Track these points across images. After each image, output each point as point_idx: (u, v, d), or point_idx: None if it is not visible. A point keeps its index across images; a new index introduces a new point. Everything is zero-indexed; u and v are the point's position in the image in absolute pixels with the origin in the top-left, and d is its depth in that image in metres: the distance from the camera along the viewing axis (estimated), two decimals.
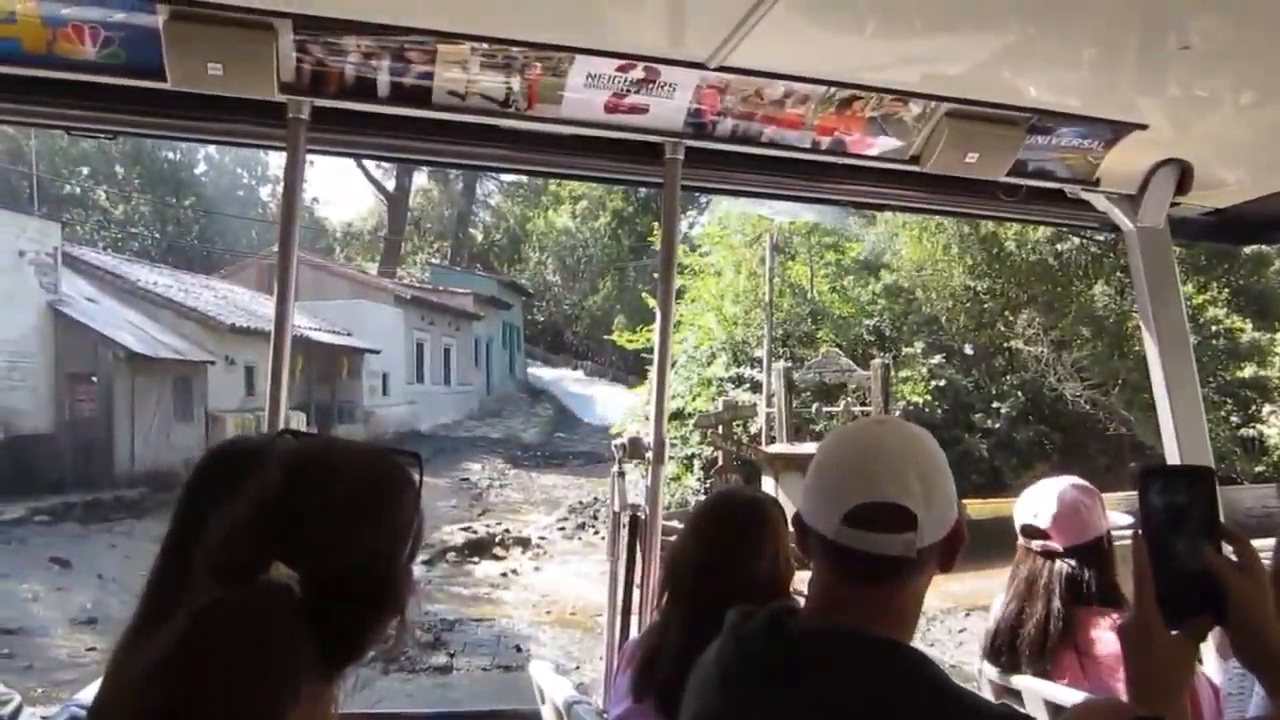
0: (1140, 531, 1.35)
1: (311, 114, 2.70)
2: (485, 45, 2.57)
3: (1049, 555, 2.64)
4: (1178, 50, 2.52)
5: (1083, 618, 2.57)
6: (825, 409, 17.54)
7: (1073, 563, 2.61)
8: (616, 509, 2.98)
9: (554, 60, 2.62)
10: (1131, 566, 1.34)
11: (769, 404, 17.54)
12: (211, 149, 44.38)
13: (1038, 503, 2.70)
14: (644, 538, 2.96)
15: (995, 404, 19.73)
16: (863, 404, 17.27)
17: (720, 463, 16.63)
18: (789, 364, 18.10)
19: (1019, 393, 19.78)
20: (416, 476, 1.40)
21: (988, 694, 2.75)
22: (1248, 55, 2.57)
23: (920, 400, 19.03)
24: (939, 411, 19.23)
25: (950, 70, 2.72)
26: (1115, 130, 2.97)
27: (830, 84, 2.74)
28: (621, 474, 3.02)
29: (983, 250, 20.32)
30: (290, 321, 2.76)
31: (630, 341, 23.82)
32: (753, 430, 18.12)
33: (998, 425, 19.42)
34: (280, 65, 2.54)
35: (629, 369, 30.72)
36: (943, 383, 19.59)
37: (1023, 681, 2.63)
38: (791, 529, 1.76)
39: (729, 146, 2.92)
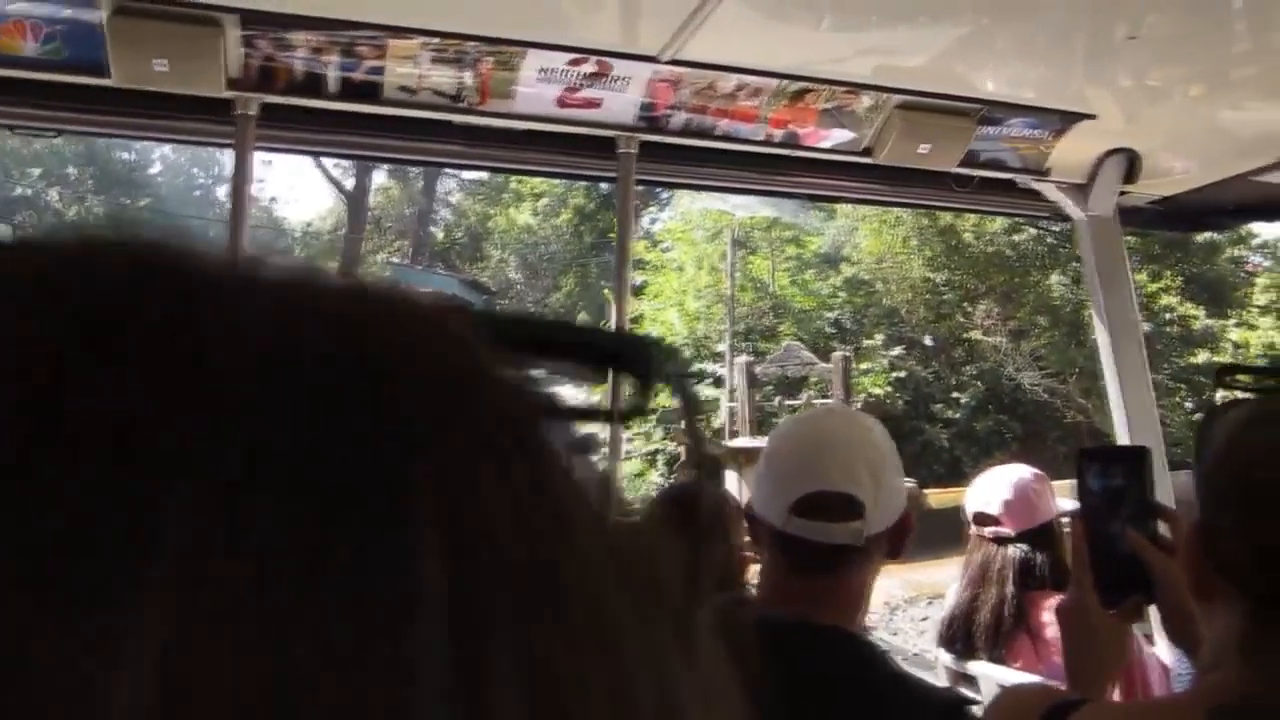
0: (1078, 514, 1.37)
1: (260, 111, 2.67)
2: (436, 40, 2.56)
3: (1001, 541, 2.68)
4: (1126, 40, 2.56)
5: (1035, 601, 2.62)
6: (787, 402, 17.61)
7: (1024, 547, 2.66)
8: None
9: (506, 54, 2.61)
10: (1070, 548, 1.36)
11: (731, 398, 17.58)
12: (167, 148, 43.75)
13: (989, 491, 2.75)
14: None
15: (955, 394, 19.93)
16: (824, 396, 17.35)
17: (682, 458, 16.65)
18: (750, 358, 18.15)
19: (978, 383, 19.98)
20: None
21: (944, 680, 2.78)
22: (1195, 46, 2.61)
23: (881, 392, 19.16)
24: (900, 403, 19.38)
25: (901, 62, 2.74)
26: (1064, 120, 3.01)
27: (782, 76, 2.75)
28: None
29: (941, 242, 20.49)
30: None
31: None
32: (716, 425, 18.15)
33: (958, 415, 19.60)
34: (228, 61, 2.51)
35: None
36: (903, 374, 19.74)
37: (978, 667, 2.67)
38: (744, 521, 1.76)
39: (683, 140, 2.92)
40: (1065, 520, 2.64)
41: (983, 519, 2.76)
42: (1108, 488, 1.36)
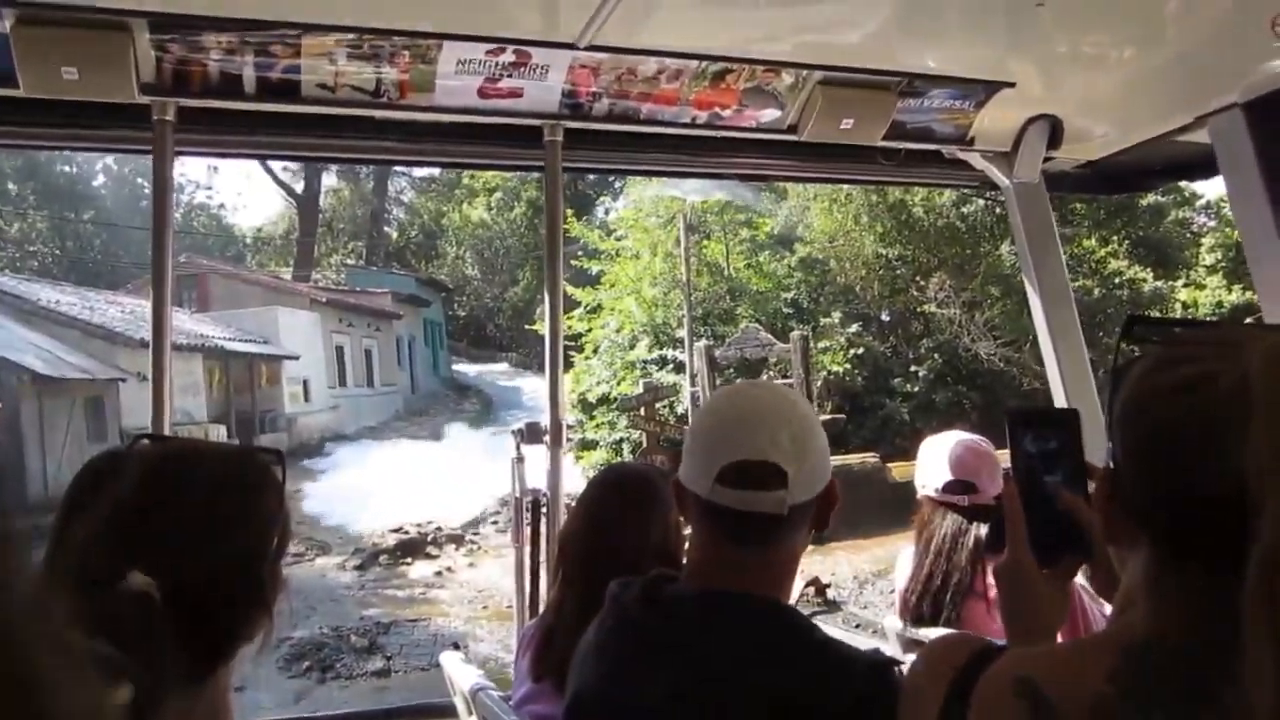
0: (1011, 474, 1.39)
1: (178, 115, 2.63)
2: (351, 36, 2.53)
3: (975, 508, 2.65)
4: (1036, 8, 2.59)
5: (988, 565, 2.62)
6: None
7: (970, 510, 2.66)
8: (518, 495, 2.98)
9: (422, 48, 2.59)
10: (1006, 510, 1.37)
11: (693, 383, 17.63)
12: (110, 159, 43.16)
13: (963, 459, 2.69)
14: (551, 522, 2.96)
15: (913, 368, 20.10)
16: (784, 376, 17.45)
17: (645, 445, 16.68)
18: (710, 342, 18.21)
19: (935, 355, 20.16)
20: (279, 473, 1.39)
21: (895, 648, 2.80)
22: (1103, 10, 2.65)
23: (840, 369, 19.29)
24: (859, 379, 19.52)
25: (820, 39, 2.76)
26: (985, 90, 3.04)
27: (701, 58, 2.75)
28: (520, 459, 3.01)
29: (892, 218, 20.64)
30: (169, 332, 2.69)
31: None
32: (680, 410, 18.20)
33: (917, 389, 19.78)
34: (139, 66, 2.48)
35: None
36: (861, 351, 19.87)
37: (929, 633, 2.68)
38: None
39: (608, 126, 2.93)
40: None
41: (956, 487, 2.69)
42: (1040, 449, 1.38)
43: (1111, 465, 1.08)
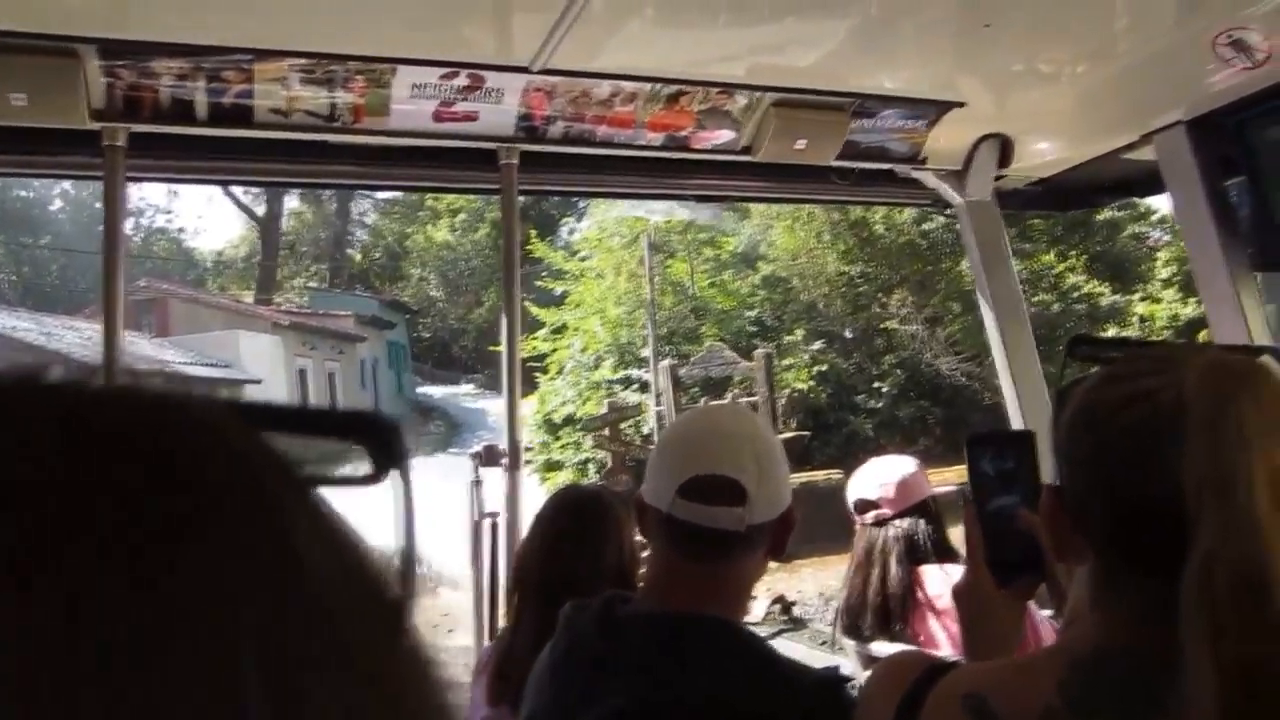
0: (969, 496, 1.41)
1: (130, 140, 2.62)
2: (303, 60, 2.53)
3: (881, 523, 2.80)
4: (983, 28, 2.63)
5: (925, 574, 2.73)
6: (713, 400, 17.73)
7: (904, 524, 2.77)
8: (475, 517, 2.98)
9: (376, 72, 2.60)
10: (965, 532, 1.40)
11: (658, 402, 17.64)
12: (67, 184, 42.61)
13: (866, 480, 2.88)
14: (510, 545, 2.95)
15: (876, 384, 20.22)
16: (749, 394, 17.50)
17: (610, 466, 16.64)
18: (674, 361, 18.24)
19: (898, 370, 20.31)
20: None
21: (853, 663, 2.83)
22: (1050, 29, 2.69)
23: (805, 386, 19.37)
24: (824, 396, 19.60)
25: (772, 60, 2.79)
26: (936, 109, 3.08)
27: (654, 80, 2.77)
28: (478, 482, 3.01)
29: (853, 235, 20.80)
30: (118, 360, 2.67)
31: None
32: (645, 430, 18.19)
33: (880, 405, 19.90)
34: (90, 92, 2.46)
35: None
36: (825, 368, 19.97)
37: (881, 647, 2.72)
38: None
39: (563, 148, 2.94)
40: (942, 496, 2.81)
41: (863, 505, 2.88)
42: (998, 470, 1.40)
43: (1057, 481, 1.10)
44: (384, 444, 0.42)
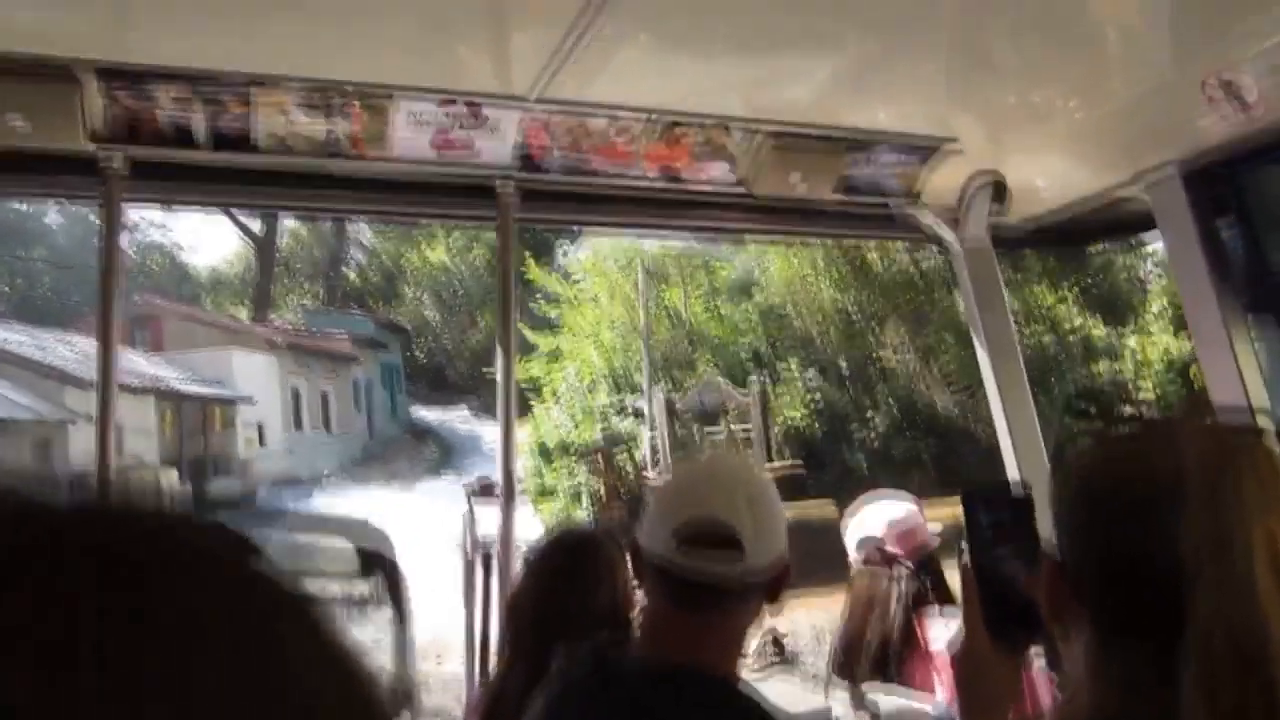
0: (967, 555, 1.40)
1: (128, 165, 2.62)
2: (303, 88, 2.54)
3: (890, 561, 2.76)
4: (978, 66, 2.65)
5: (924, 619, 2.70)
6: (707, 429, 17.72)
7: (907, 570, 2.74)
8: (468, 551, 2.95)
9: (374, 101, 2.60)
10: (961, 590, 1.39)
11: (652, 428, 17.63)
12: None
13: (871, 521, 2.84)
14: (503, 579, 2.93)
15: (870, 414, 20.22)
16: (743, 424, 17.50)
17: (603, 494, 16.61)
18: (669, 390, 18.25)
19: (890, 401, 20.31)
20: None
21: (844, 706, 2.81)
22: (1044, 67, 2.71)
23: (798, 414, 19.37)
24: (819, 430, 19.58)
25: (769, 96, 2.80)
26: (930, 146, 3.09)
27: (652, 113, 2.78)
28: (472, 514, 2.99)
29: (848, 266, 20.86)
30: (115, 379, 2.66)
31: None
32: (639, 458, 18.17)
33: (874, 438, 19.87)
34: (88, 116, 2.46)
35: None
36: (820, 400, 19.96)
37: (875, 689, 2.71)
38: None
39: (561, 179, 2.94)
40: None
41: (866, 544, 2.83)
42: (994, 525, 1.39)
43: (1057, 550, 1.10)
44: (381, 572, 0.45)
